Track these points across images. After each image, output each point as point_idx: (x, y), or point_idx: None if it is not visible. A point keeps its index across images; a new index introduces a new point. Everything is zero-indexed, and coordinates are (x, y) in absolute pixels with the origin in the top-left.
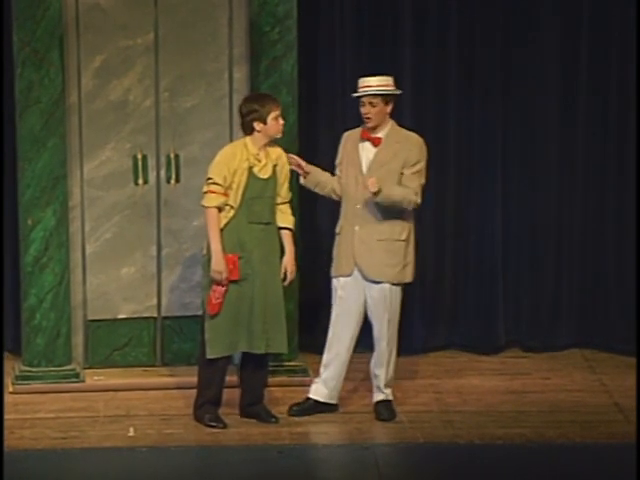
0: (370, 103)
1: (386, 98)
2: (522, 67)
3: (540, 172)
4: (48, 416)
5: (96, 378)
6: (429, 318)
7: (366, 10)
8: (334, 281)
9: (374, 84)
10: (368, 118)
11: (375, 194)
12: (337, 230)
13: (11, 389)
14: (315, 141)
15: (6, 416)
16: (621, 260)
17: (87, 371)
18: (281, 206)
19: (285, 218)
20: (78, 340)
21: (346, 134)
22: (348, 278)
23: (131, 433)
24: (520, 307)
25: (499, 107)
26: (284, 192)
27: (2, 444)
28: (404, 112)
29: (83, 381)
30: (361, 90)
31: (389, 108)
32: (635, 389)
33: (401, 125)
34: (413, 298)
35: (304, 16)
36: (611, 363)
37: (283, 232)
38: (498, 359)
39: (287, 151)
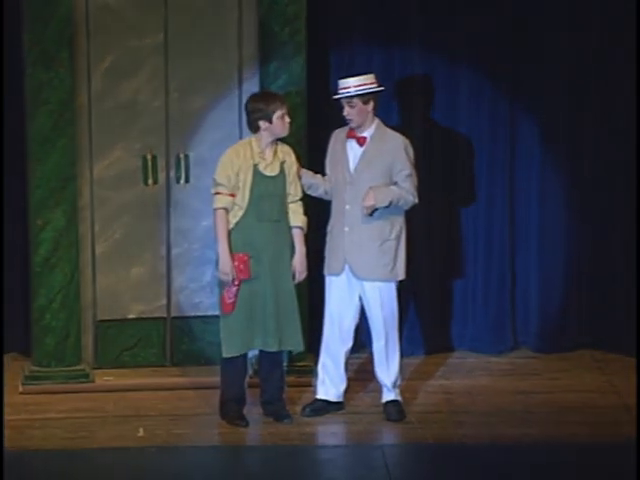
0: (349, 104)
1: (364, 97)
2: (531, 65)
3: (549, 173)
4: (58, 416)
5: (105, 378)
6: (438, 319)
7: (375, 11)
8: (327, 279)
9: (352, 85)
10: (349, 119)
11: (373, 210)
12: (328, 229)
13: (21, 389)
14: (324, 142)
15: (16, 416)
16: (630, 261)
17: (96, 371)
18: (292, 205)
19: (296, 217)
20: (87, 340)
21: (335, 132)
22: (340, 276)
23: (140, 433)
24: (529, 308)
25: (508, 103)
26: (294, 190)
27: (2, 442)
28: (414, 113)
29: (92, 381)
30: (339, 92)
31: (370, 107)
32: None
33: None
34: (422, 299)
35: (314, 17)
36: (620, 364)
37: (294, 231)
38: (507, 360)
39: (294, 151)
